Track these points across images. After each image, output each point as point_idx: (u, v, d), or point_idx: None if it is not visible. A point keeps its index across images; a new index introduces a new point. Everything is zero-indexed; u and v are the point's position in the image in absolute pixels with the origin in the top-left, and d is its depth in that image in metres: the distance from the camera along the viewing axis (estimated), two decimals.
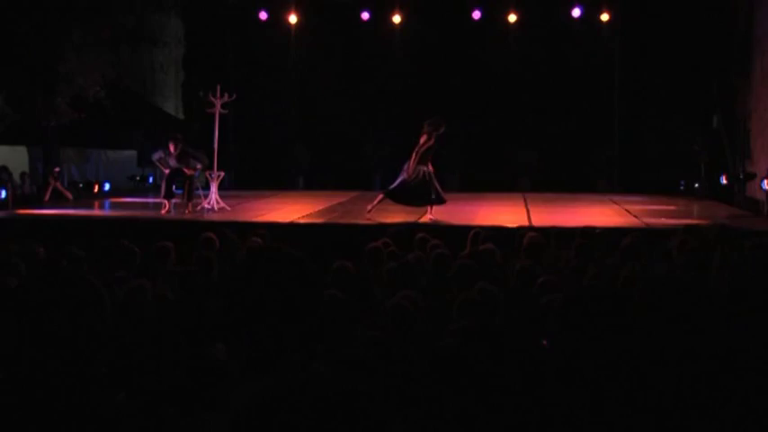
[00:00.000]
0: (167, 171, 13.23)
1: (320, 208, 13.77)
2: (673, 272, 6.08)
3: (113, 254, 7.40)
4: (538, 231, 8.54)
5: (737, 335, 3.20)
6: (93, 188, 18.09)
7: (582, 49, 18.58)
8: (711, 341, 2.90)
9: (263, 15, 19.30)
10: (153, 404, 2.65)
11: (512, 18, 18.58)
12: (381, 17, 18.96)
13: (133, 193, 17.81)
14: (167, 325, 4.64)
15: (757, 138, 15.27)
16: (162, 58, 20.35)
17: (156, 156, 13.50)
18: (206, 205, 13.34)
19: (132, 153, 19.19)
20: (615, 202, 15.15)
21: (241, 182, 18.78)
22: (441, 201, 11.81)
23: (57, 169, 16.52)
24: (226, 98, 13.74)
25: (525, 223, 11.27)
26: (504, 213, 13.27)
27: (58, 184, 16.39)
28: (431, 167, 11.79)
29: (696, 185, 16.86)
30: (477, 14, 18.68)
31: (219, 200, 13.45)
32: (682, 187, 17.49)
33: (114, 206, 15.29)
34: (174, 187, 13.25)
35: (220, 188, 13.78)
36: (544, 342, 3.19)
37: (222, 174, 13.89)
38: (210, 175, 13.66)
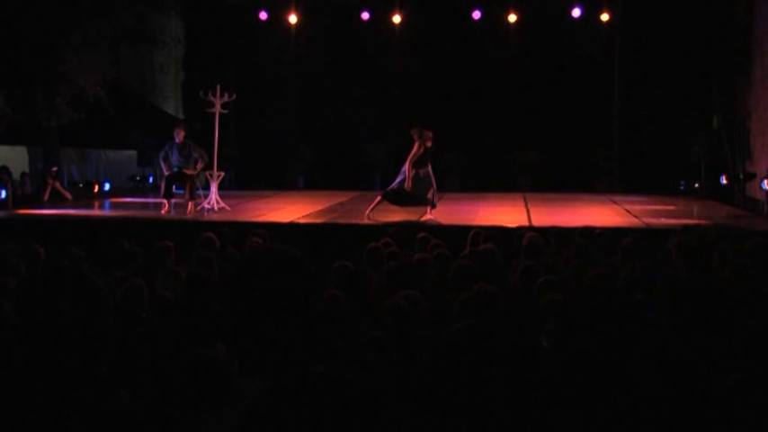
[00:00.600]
0: (167, 171, 13.21)
1: (320, 208, 13.77)
2: (672, 272, 6.08)
3: (113, 254, 7.41)
4: (538, 231, 8.54)
5: (738, 334, 3.20)
6: (93, 188, 18.08)
7: (582, 49, 18.58)
8: (712, 341, 2.90)
9: (263, 15, 19.30)
10: (153, 404, 2.65)
11: (512, 18, 18.58)
12: (381, 17, 18.95)
13: (133, 193, 17.81)
14: (167, 325, 4.64)
15: (757, 138, 15.26)
16: (162, 58, 20.34)
17: (161, 154, 13.47)
18: (206, 205, 13.33)
19: (132, 153, 19.17)
20: (615, 202, 15.15)
21: (241, 182, 18.78)
22: (433, 204, 11.78)
23: (54, 168, 16.51)
24: (226, 98, 13.73)
25: (525, 223, 11.27)
26: (504, 213, 13.27)
27: (57, 184, 16.38)
28: (430, 168, 11.78)
29: (696, 185, 16.85)
30: (477, 14, 18.68)
31: (219, 200, 13.45)
32: (682, 187, 17.49)
33: (114, 206, 15.28)
34: (174, 187, 13.23)
35: (220, 188, 13.77)
36: (544, 342, 3.19)
37: (222, 174, 13.88)
38: (210, 175, 13.66)
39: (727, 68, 16.50)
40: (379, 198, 12.01)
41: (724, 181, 16.02)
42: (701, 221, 11.74)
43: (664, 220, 11.94)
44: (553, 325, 2.92)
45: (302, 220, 12.09)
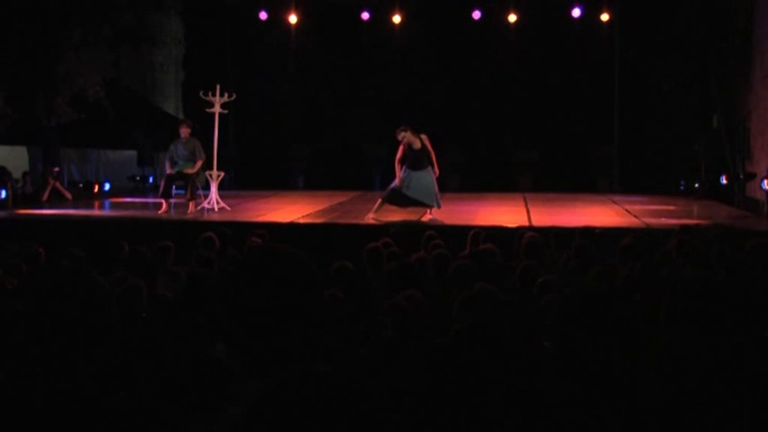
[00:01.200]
0: (170, 170, 13.22)
1: (320, 208, 13.77)
2: (672, 272, 6.08)
3: (113, 254, 7.41)
4: (538, 231, 8.54)
5: (738, 334, 3.20)
6: (93, 188, 18.09)
7: (582, 49, 18.59)
8: (713, 341, 2.90)
9: (263, 15, 19.31)
10: (153, 404, 2.64)
11: (512, 18, 18.59)
12: (381, 17, 18.96)
13: (133, 193, 17.81)
14: (167, 324, 4.64)
15: (757, 138, 15.26)
16: (162, 58, 20.36)
17: (167, 154, 13.48)
18: (206, 205, 13.33)
19: (132, 153, 19.18)
20: (615, 202, 15.15)
21: (241, 182, 18.78)
22: (437, 205, 11.78)
23: (56, 169, 16.52)
24: (226, 98, 13.74)
25: (525, 223, 11.27)
26: (504, 213, 13.27)
27: (58, 184, 16.40)
28: (430, 170, 11.71)
29: (696, 185, 16.85)
30: (477, 14, 18.69)
31: (219, 200, 13.44)
32: (682, 187, 17.48)
33: (114, 206, 15.29)
34: (173, 187, 13.23)
35: (220, 188, 13.77)
36: (545, 343, 3.19)
37: (222, 174, 13.88)
38: (210, 175, 13.66)
39: (727, 68, 16.50)
40: (379, 201, 11.99)
41: (724, 181, 16.02)
42: (701, 221, 11.74)
43: (664, 220, 11.94)
44: (554, 325, 2.92)
45: (302, 220, 12.09)
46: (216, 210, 13.25)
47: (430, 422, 2.29)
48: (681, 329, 2.95)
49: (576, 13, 18.44)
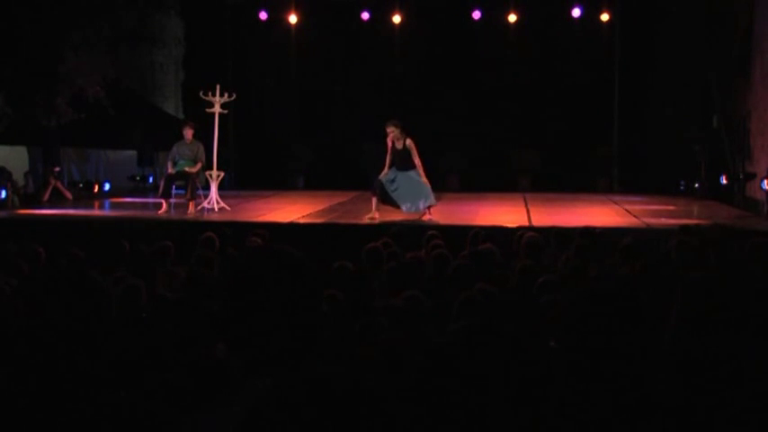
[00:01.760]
0: (171, 170, 13.23)
1: (320, 208, 13.77)
2: (672, 272, 6.07)
3: (113, 254, 7.42)
4: (538, 231, 8.54)
5: (739, 334, 3.20)
6: (93, 188, 18.09)
7: (582, 49, 18.58)
8: (714, 341, 2.90)
9: (263, 15, 19.30)
10: (153, 404, 2.65)
11: (512, 18, 18.58)
12: (381, 17, 18.95)
13: (133, 193, 17.81)
14: (167, 324, 4.64)
15: (757, 138, 15.25)
16: (162, 58, 20.35)
17: (169, 154, 13.48)
18: (206, 205, 13.33)
19: (132, 153, 19.18)
20: (615, 202, 15.15)
21: (241, 182, 18.78)
22: (422, 207, 11.73)
23: (57, 168, 16.52)
24: (226, 98, 13.73)
25: (525, 223, 11.27)
26: (504, 213, 13.27)
27: (59, 184, 16.40)
28: (413, 173, 11.61)
29: (696, 185, 16.84)
30: (477, 14, 18.68)
31: (219, 200, 13.44)
32: (682, 187, 17.48)
33: (114, 206, 15.29)
34: (174, 187, 13.24)
35: (220, 188, 13.77)
36: (552, 342, 3.19)
37: (222, 174, 13.88)
38: (210, 175, 13.66)
39: (726, 68, 16.49)
40: (374, 200, 11.94)
41: (724, 181, 16.01)
42: (701, 221, 11.74)
43: (664, 220, 11.94)
44: (560, 324, 2.92)
45: (302, 220, 12.09)
46: (216, 210, 13.25)
47: (430, 422, 2.29)
48: (685, 329, 2.95)
49: (576, 13, 18.44)
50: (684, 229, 8.84)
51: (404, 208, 11.63)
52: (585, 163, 18.76)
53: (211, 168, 13.66)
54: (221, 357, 3.03)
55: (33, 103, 15.98)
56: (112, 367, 2.70)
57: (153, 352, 3.57)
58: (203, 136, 13.66)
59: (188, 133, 13.20)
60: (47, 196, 15.97)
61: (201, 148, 13.31)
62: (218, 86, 13.75)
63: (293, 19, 19.15)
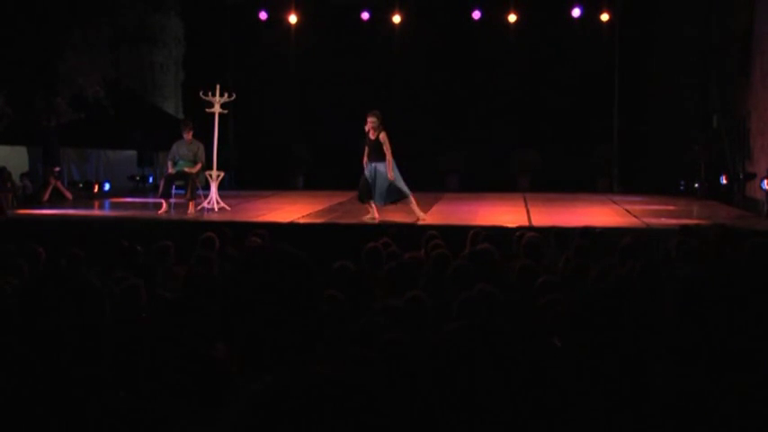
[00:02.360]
0: (171, 170, 13.23)
1: (320, 208, 13.77)
2: (672, 272, 6.07)
3: (113, 254, 7.41)
4: (537, 231, 8.54)
5: (739, 334, 3.20)
6: (93, 188, 18.09)
7: (582, 49, 18.59)
8: (714, 341, 2.90)
9: (263, 15, 19.31)
10: (152, 404, 2.64)
11: (512, 18, 18.59)
12: (381, 17, 18.96)
13: (133, 193, 17.81)
14: (167, 324, 4.64)
15: (757, 138, 15.26)
16: (162, 58, 20.35)
17: (169, 154, 13.47)
18: (206, 205, 13.33)
19: (132, 153, 19.18)
20: (615, 202, 15.15)
21: (241, 182, 18.78)
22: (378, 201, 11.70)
23: (57, 168, 16.52)
24: (226, 98, 13.73)
25: (525, 223, 11.27)
26: (504, 213, 13.27)
27: (59, 184, 16.39)
28: (375, 167, 11.62)
29: (696, 185, 16.85)
30: (477, 14, 18.69)
31: (219, 200, 13.44)
32: (682, 187, 17.48)
33: (114, 206, 15.29)
34: (173, 187, 13.24)
35: (220, 188, 13.77)
36: (557, 342, 3.19)
37: (222, 174, 13.88)
38: (210, 175, 13.66)
39: (727, 68, 16.50)
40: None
41: (724, 181, 16.02)
42: (701, 221, 11.74)
43: (664, 220, 11.94)
44: (563, 324, 2.92)
45: (302, 220, 12.09)
46: (216, 210, 13.25)
47: (431, 422, 2.29)
48: (680, 329, 2.95)
49: (576, 13, 18.44)
50: (684, 229, 8.85)
51: (378, 203, 11.67)
52: (585, 163, 18.76)
53: (211, 168, 13.65)
54: (221, 357, 3.03)
55: (33, 103, 15.98)
56: (112, 367, 2.70)
57: (153, 352, 3.57)
58: (203, 136, 13.66)
59: (187, 135, 13.20)
60: (47, 196, 15.96)
61: (201, 147, 13.32)
62: (218, 86, 13.75)
63: (293, 19, 19.15)
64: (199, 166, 13.32)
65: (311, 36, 19.10)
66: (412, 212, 11.75)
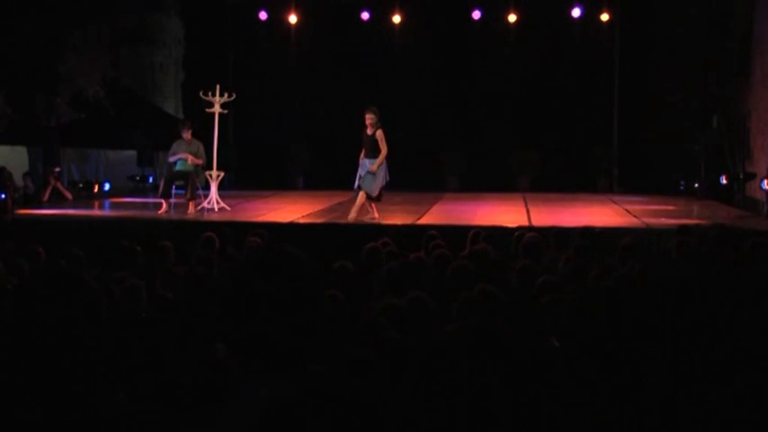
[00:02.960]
0: (171, 160, 13.23)
1: (320, 208, 13.77)
2: (673, 272, 6.07)
3: (113, 254, 7.41)
4: (537, 231, 8.54)
5: (739, 334, 3.20)
6: (93, 188, 18.08)
7: (582, 49, 18.59)
8: (714, 341, 2.90)
9: (263, 15, 19.30)
10: (152, 404, 2.65)
11: (512, 18, 18.58)
12: (381, 17, 18.96)
13: (133, 193, 17.81)
14: (167, 325, 4.64)
15: (757, 138, 15.26)
16: (162, 58, 20.35)
17: (171, 158, 13.46)
18: (206, 205, 13.32)
19: (132, 153, 19.18)
20: (615, 202, 15.15)
21: (241, 182, 18.77)
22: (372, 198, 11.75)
23: (57, 169, 16.52)
24: (226, 98, 13.73)
25: (525, 223, 11.27)
26: (504, 213, 13.27)
27: (59, 184, 16.39)
28: (367, 161, 11.70)
29: (696, 185, 16.85)
30: (477, 14, 18.69)
31: (219, 200, 13.44)
32: (682, 187, 17.48)
33: (114, 206, 15.28)
34: (173, 187, 13.23)
35: (220, 188, 13.76)
36: (556, 342, 3.19)
37: (222, 174, 13.88)
38: (210, 175, 13.65)
39: (727, 68, 16.49)
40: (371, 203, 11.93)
41: (724, 181, 16.02)
42: (701, 221, 11.74)
43: (664, 220, 11.94)
44: (562, 324, 2.92)
45: (302, 220, 12.09)
46: (216, 210, 13.25)
47: (431, 422, 2.29)
48: (681, 330, 2.95)
49: (576, 13, 18.44)
50: (684, 229, 8.84)
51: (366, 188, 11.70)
52: (585, 163, 18.75)
53: (211, 168, 13.65)
54: (221, 357, 3.03)
55: (33, 103, 15.98)
56: (111, 368, 2.70)
57: (153, 352, 3.57)
58: (203, 136, 13.65)
59: (187, 135, 13.20)
60: (47, 196, 15.96)
61: (201, 147, 13.32)
62: (218, 86, 13.75)
63: (293, 19, 19.15)
64: (198, 162, 13.30)
65: (311, 36, 19.10)
66: (361, 209, 11.71)
